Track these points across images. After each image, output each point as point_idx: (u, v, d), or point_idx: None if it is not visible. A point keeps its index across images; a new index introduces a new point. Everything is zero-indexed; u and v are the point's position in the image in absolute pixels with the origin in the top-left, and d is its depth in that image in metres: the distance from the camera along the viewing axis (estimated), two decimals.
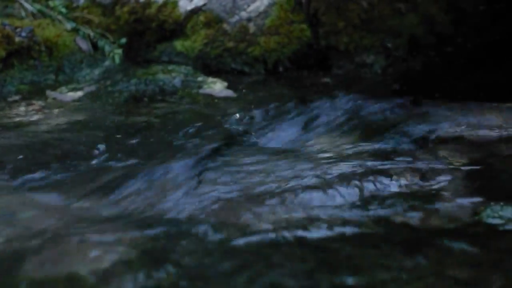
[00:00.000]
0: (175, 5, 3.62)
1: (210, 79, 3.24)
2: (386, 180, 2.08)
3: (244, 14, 3.49)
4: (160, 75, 3.27)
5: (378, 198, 1.95)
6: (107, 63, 3.50)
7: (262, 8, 3.47)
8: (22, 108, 3.00)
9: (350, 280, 1.49)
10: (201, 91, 3.13)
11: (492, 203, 1.86)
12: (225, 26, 3.49)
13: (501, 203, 1.84)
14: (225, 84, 3.20)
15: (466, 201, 1.93)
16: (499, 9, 3.62)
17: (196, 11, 3.58)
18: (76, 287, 1.45)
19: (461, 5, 3.63)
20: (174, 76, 3.25)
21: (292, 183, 1.99)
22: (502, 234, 1.73)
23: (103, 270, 1.49)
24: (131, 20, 3.68)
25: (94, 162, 2.29)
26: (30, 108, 2.97)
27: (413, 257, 1.61)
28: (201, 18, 3.55)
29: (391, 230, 1.76)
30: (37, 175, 2.16)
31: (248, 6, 3.51)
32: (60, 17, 3.66)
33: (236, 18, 3.50)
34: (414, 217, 1.84)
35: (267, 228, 1.74)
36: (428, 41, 3.51)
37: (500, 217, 1.78)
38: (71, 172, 2.19)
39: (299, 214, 1.84)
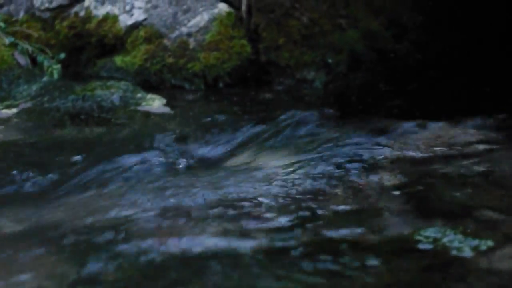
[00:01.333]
0: (115, 20, 3.58)
1: (149, 96, 3.21)
2: (320, 198, 2.07)
3: (184, 30, 3.46)
4: (98, 91, 3.22)
5: (309, 216, 1.93)
6: (45, 78, 3.45)
7: (202, 24, 3.45)
8: None
9: None
10: (139, 108, 3.09)
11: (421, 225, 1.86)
12: (165, 41, 3.46)
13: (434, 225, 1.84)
14: (164, 101, 3.17)
15: (396, 220, 1.93)
16: (439, 25, 3.64)
17: (136, 26, 3.55)
18: None
19: (402, 21, 3.64)
20: (113, 92, 3.21)
21: (217, 201, 1.97)
22: (427, 253, 1.72)
23: None
24: (70, 35, 3.63)
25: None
26: None
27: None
28: (142, 33, 3.51)
29: (318, 249, 1.74)
30: None
31: (189, 21, 3.48)
32: None
33: (176, 33, 3.47)
34: (346, 236, 1.83)
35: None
36: (369, 57, 3.52)
37: (426, 237, 1.78)
38: None
39: (225, 230, 1.82)
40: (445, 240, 1.75)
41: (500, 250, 1.68)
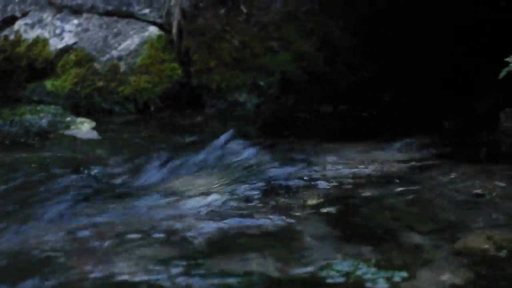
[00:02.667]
0: (46, 43, 3.54)
1: (79, 120, 3.18)
2: (246, 220, 2.06)
3: (115, 53, 3.44)
4: (27, 115, 3.18)
5: (235, 238, 1.92)
6: None
7: (133, 47, 3.44)
8: None
9: None
10: (67, 132, 3.05)
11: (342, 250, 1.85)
12: (96, 65, 3.44)
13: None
14: (93, 124, 3.13)
15: (316, 245, 1.92)
16: (372, 46, 3.67)
17: (67, 49, 3.52)
18: None
19: (334, 43, 3.67)
20: (42, 117, 3.17)
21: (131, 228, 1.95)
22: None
23: None
24: (0, 58, 3.58)
25: None
26: None
27: None
28: (72, 56, 3.49)
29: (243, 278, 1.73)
30: None
31: (119, 44, 3.46)
32: None
33: (107, 56, 3.45)
34: (272, 260, 1.82)
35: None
36: (301, 79, 3.53)
37: (338, 271, 1.77)
38: None
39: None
40: (358, 273, 1.74)
41: (413, 281, 1.68)
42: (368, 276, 1.70)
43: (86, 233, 1.96)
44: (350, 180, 2.44)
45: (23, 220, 2.08)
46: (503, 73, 2.45)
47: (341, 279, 1.70)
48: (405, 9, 3.55)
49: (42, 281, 1.67)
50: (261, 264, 1.78)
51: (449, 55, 3.56)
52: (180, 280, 1.66)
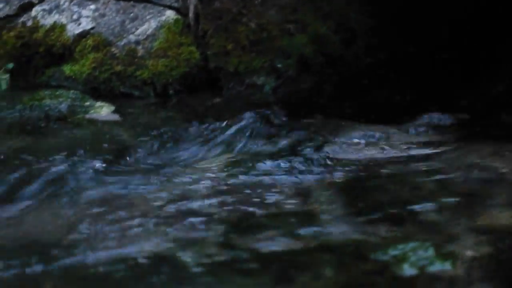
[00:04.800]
0: (63, 29, 3.56)
1: (98, 104, 3.19)
2: (268, 198, 2.07)
3: (132, 37, 3.45)
4: (47, 100, 3.20)
5: (253, 217, 1.93)
6: None
7: (150, 31, 3.45)
8: None
9: None
10: (87, 116, 3.07)
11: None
12: (113, 49, 3.45)
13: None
14: (112, 108, 3.15)
15: (339, 221, 1.93)
16: (389, 29, 3.67)
17: (84, 34, 3.53)
18: None
19: (351, 25, 3.67)
20: (61, 101, 3.19)
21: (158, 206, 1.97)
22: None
23: None
24: (18, 44, 3.60)
25: None
26: None
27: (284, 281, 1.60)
28: (90, 41, 3.50)
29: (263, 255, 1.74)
30: None
31: (136, 29, 3.47)
32: None
33: (124, 41, 3.46)
34: (291, 235, 1.83)
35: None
36: (318, 61, 3.53)
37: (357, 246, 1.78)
38: None
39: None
40: (378, 248, 1.74)
41: (435, 256, 1.69)
42: (388, 251, 1.71)
43: (114, 209, 1.98)
44: (370, 159, 2.45)
45: (56, 199, 2.10)
46: None
47: (361, 254, 1.71)
48: None
49: (67, 259, 1.69)
50: (280, 241, 1.80)
51: (468, 36, 3.55)
52: (208, 257, 1.68)
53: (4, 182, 2.30)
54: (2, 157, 2.52)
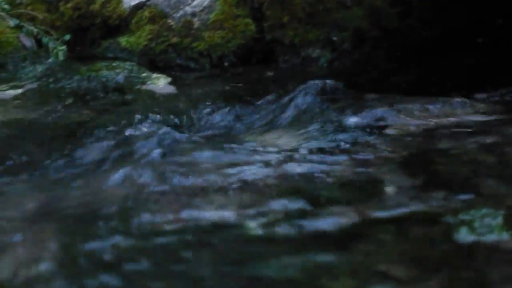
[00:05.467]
0: (119, 0, 3.58)
1: (154, 75, 3.22)
2: (326, 170, 2.07)
3: (188, 9, 3.46)
4: (103, 71, 3.23)
5: (318, 188, 1.94)
6: (51, 60, 3.46)
7: (206, 3, 3.45)
8: None
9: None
10: (144, 87, 3.10)
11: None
12: (169, 21, 3.47)
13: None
14: (169, 79, 3.17)
15: (398, 192, 1.93)
16: (445, 2, 3.63)
17: (140, 6, 3.55)
18: None
19: None
20: (118, 73, 3.22)
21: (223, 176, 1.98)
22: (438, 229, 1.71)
23: None
24: (75, 16, 3.64)
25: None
26: None
27: (346, 250, 1.60)
28: (146, 13, 3.52)
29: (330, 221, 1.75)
30: None
31: (193, 1, 3.48)
32: (3, 14, 3.61)
33: (180, 13, 3.47)
34: (354, 207, 1.83)
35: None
36: (373, 34, 3.51)
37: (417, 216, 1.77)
38: None
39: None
40: (440, 218, 1.74)
41: (497, 227, 1.67)
42: (450, 221, 1.70)
43: (175, 176, 2.00)
44: (426, 133, 2.44)
45: (122, 164, 2.12)
46: None
47: (423, 223, 1.71)
48: None
49: (128, 223, 1.71)
50: (342, 212, 1.80)
51: None
52: (272, 227, 1.69)
53: (75, 151, 2.33)
54: (67, 127, 2.55)
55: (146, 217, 1.75)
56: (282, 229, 1.70)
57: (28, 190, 2.05)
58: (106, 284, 1.45)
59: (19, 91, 3.11)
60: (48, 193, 2.00)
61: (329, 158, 2.20)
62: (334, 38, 3.43)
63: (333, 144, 2.34)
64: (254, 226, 1.70)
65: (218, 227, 1.71)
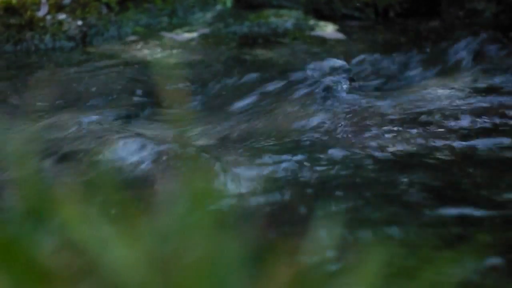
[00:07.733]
0: None
1: (321, 23, 3.30)
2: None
3: None
4: (271, 18, 3.35)
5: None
6: (218, 7, 3.59)
7: None
8: (139, 47, 3.13)
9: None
10: (312, 33, 3.20)
11: None
12: None
13: None
14: (336, 27, 3.25)
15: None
16: None
17: None
18: None
19: None
20: (285, 20, 3.32)
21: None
22: None
23: None
24: None
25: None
26: (148, 46, 3.10)
27: None
28: None
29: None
30: None
31: None
32: None
33: None
34: None
35: None
36: None
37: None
38: None
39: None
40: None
41: None
42: None
43: (351, 116, 2.09)
44: None
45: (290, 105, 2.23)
46: None
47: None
48: None
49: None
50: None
51: None
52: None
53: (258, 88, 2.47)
54: (241, 64, 2.68)
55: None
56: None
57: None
58: None
59: (194, 34, 3.27)
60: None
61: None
62: None
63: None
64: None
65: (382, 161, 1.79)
